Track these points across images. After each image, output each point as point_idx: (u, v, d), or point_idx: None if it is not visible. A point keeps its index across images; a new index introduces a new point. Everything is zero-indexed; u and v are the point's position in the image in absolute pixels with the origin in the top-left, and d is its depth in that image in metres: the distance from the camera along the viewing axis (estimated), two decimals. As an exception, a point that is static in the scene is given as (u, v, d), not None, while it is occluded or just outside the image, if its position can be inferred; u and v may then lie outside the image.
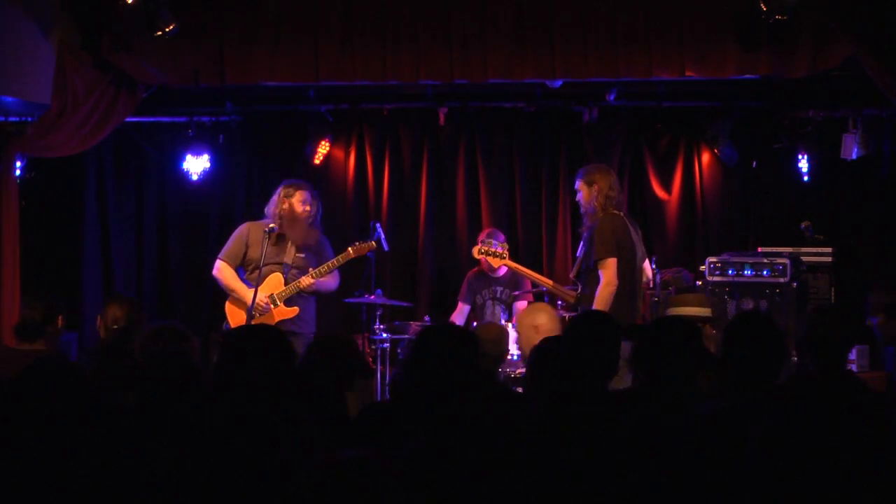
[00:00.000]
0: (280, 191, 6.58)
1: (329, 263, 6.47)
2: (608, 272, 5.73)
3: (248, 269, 6.51)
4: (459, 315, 7.42)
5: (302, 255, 6.48)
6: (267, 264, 6.40)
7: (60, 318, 5.21)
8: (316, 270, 6.44)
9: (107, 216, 8.36)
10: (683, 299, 5.86)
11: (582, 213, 6.12)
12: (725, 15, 6.45)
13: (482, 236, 7.13)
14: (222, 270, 6.54)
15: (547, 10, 6.51)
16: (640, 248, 6.03)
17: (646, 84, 7.24)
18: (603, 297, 5.77)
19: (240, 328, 5.79)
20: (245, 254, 6.53)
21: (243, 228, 6.63)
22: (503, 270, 7.36)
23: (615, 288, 5.74)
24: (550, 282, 6.40)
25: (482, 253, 6.36)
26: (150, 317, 7.72)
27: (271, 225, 6.37)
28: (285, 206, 6.51)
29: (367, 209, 8.35)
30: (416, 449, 2.27)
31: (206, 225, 8.43)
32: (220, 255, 6.59)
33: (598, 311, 5.12)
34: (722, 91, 7.74)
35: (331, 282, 6.59)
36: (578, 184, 6.08)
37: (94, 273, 8.28)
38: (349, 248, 6.55)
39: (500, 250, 6.33)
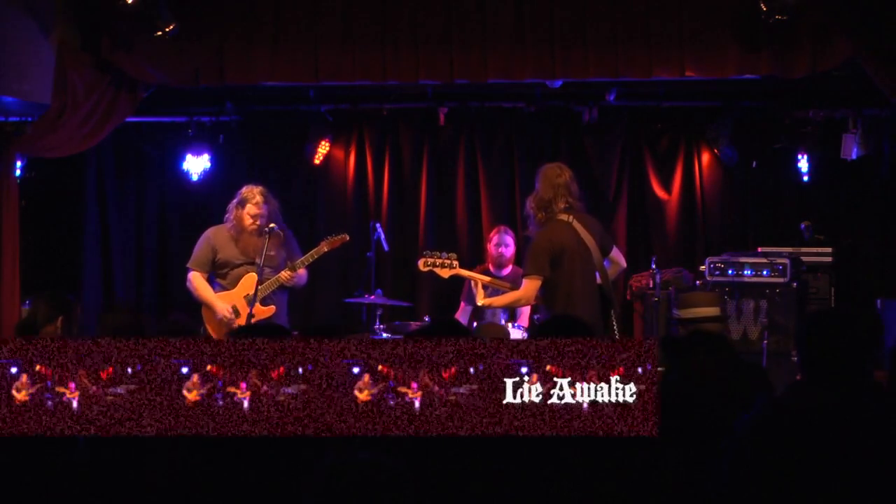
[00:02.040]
0: (238, 194, 6.56)
1: (305, 257, 6.46)
2: (525, 290, 5.66)
3: (220, 274, 6.52)
4: (462, 314, 7.42)
5: (273, 254, 6.46)
6: (241, 265, 6.41)
7: (61, 318, 5.11)
8: (292, 264, 6.44)
9: (107, 216, 8.36)
10: (694, 299, 5.72)
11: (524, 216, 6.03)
12: (725, 15, 6.45)
13: (492, 233, 7.31)
14: (193, 281, 6.52)
15: (547, 10, 6.52)
16: (594, 245, 5.73)
17: (646, 84, 7.24)
18: (508, 301, 5.93)
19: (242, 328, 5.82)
20: (214, 259, 6.51)
21: (208, 233, 6.62)
22: (507, 270, 7.36)
23: (524, 304, 5.85)
24: (507, 285, 6.32)
25: (427, 266, 6.13)
26: (150, 317, 7.76)
27: (271, 225, 6.37)
28: (239, 213, 6.51)
29: (367, 209, 8.35)
30: None
31: (205, 225, 8.35)
32: (189, 264, 6.58)
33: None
34: (722, 91, 7.74)
35: (304, 276, 6.61)
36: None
37: (94, 273, 8.28)
38: (322, 243, 6.55)
39: (447, 261, 6.18)
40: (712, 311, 5.47)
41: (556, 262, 5.59)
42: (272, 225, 6.35)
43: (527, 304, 5.79)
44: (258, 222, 6.44)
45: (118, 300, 8.20)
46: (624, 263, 6.08)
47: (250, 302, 6.32)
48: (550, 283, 5.61)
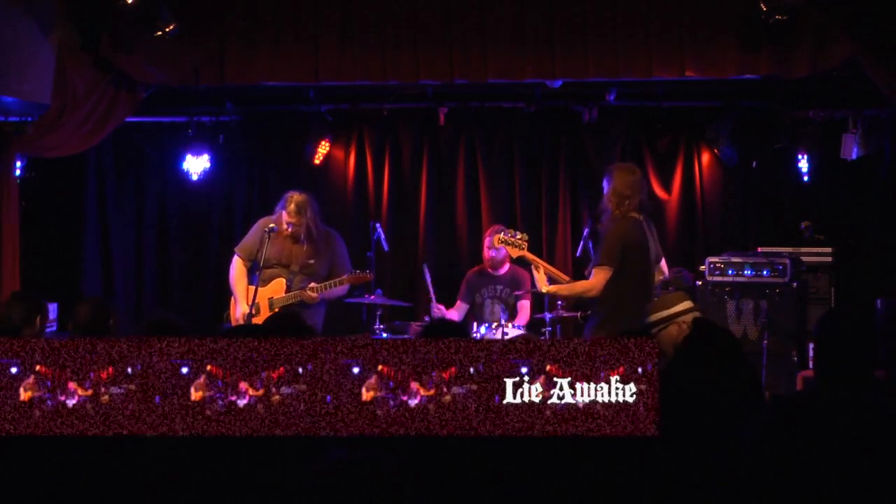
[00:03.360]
0: (284, 196, 6.59)
1: (331, 282, 6.47)
2: (597, 279, 5.70)
3: (258, 269, 6.52)
4: (456, 312, 7.42)
5: (311, 262, 6.47)
6: (275, 266, 6.41)
7: (38, 318, 5.06)
8: (318, 286, 6.43)
9: (107, 216, 8.36)
10: (665, 300, 5.73)
11: (598, 211, 6.07)
12: (725, 15, 6.45)
13: (497, 228, 7.17)
14: (233, 267, 6.59)
15: (547, 10, 6.52)
16: (655, 249, 5.92)
17: (646, 84, 7.24)
18: (575, 291, 5.93)
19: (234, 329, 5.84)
20: (258, 250, 6.50)
21: (262, 221, 6.64)
22: (504, 269, 7.37)
23: (594, 295, 5.76)
24: (566, 276, 6.33)
25: (502, 242, 6.20)
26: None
27: (271, 224, 6.38)
28: (280, 213, 6.54)
29: (367, 209, 8.35)
30: None
31: (206, 225, 8.44)
32: (236, 248, 6.66)
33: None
34: (722, 91, 7.74)
35: (339, 290, 6.61)
36: (604, 182, 5.98)
37: (94, 273, 8.28)
38: (345, 276, 6.54)
39: (519, 241, 6.22)
40: (686, 304, 5.35)
41: (624, 257, 5.68)
42: (271, 225, 6.39)
43: (596, 295, 5.74)
44: (290, 230, 6.48)
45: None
46: (666, 273, 6.19)
47: (273, 306, 6.37)
48: (612, 277, 5.69)
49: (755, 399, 3.60)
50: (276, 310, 6.37)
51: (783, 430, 2.73)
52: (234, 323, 6.47)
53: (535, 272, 6.08)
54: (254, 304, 6.33)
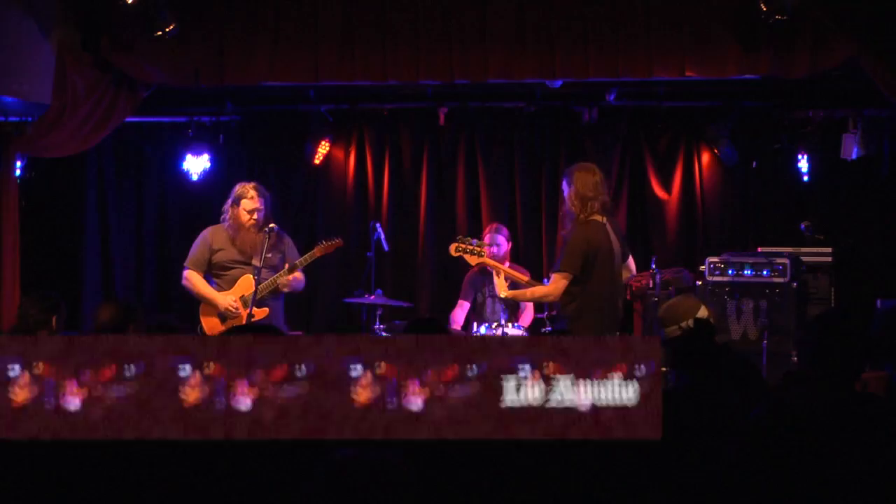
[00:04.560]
0: (232, 193, 6.53)
1: (299, 261, 6.43)
2: (555, 285, 5.69)
3: (216, 274, 6.50)
4: (459, 311, 7.42)
5: (269, 255, 6.44)
6: (236, 266, 6.39)
7: (55, 318, 5.05)
8: (295, 263, 6.40)
9: (107, 216, 8.36)
10: (679, 310, 5.58)
11: (561, 215, 6.06)
12: (725, 15, 6.46)
13: (496, 226, 7.22)
14: (190, 278, 6.50)
15: (547, 10, 6.52)
16: (618, 249, 5.83)
17: (646, 84, 7.24)
18: (535, 296, 5.98)
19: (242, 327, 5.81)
20: (210, 259, 6.48)
21: (206, 233, 6.58)
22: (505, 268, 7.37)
23: (551, 300, 5.82)
24: (526, 277, 6.34)
25: (458, 251, 6.18)
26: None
27: (271, 224, 6.36)
28: (235, 211, 6.48)
29: (367, 209, 8.35)
30: None
31: (205, 225, 8.38)
32: (185, 263, 6.55)
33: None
34: (722, 91, 7.74)
35: (302, 280, 6.59)
36: (563, 184, 5.97)
37: (94, 273, 8.28)
38: (316, 248, 6.50)
39: (476, 248, 6.21)
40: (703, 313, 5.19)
41: (588, 262, 5.65)
42: (272, 225, 6.34)
43: (553, 300, 5.77)
44: (255, 216, 6.42)
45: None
46: (634, 271, 6.16)
47: (247, 303, 6.32)
48: (575, 282, 5.66)
49: (756, 386, 3.58)
50: (252, 307, 6.31)
51: (776, 429, 2.73)
52: (209, 331, 6.40)
53: (495, 277, 6.11)
54: (249, 307, 6.32)
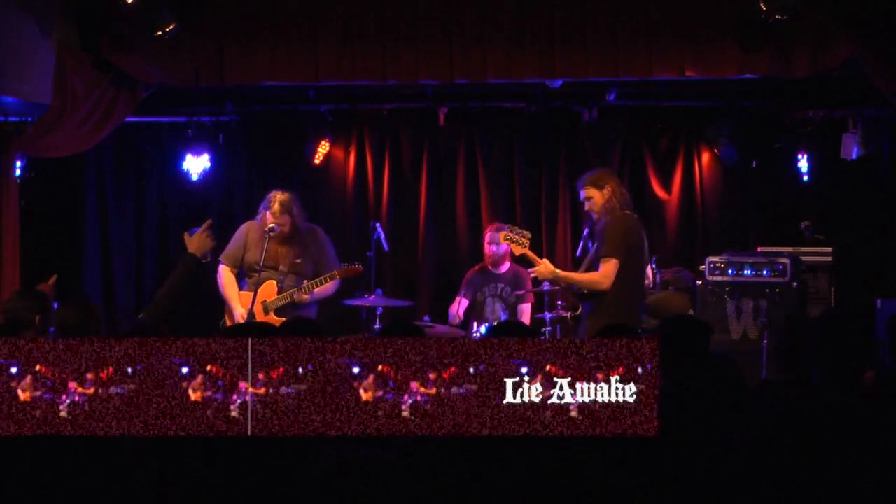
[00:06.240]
0: (266, 197, 6.54)
1: (320, 279, 6.42)
2: (607, 270, 5.75)
3: (247, 273, 6.51)
4: (457, 306, 7.40)
5: (299, 261, 6.45)
6: (264, 269, 6.39)
7: (38, 317, 5.02)
8: (308, 284, 6.39)
9: (107, 216, 8.36)
10: (666, 303, 5.80)
11: (595, 217, 6.04)
12: (725, 15, 6.46)
13: (497, 225, 7.19)
14: (222, 276, 6.53)
15: (547, 10, 6.52)
16: (648, 247, 6.04)
17: (646, 84, 7.24)
18: (590, 280, 5.86)
19: (235, 327, 5.82)
20: (243, 256, 6.50)
21: (243, 228, 6.62)
22: (506, 267, 7.37)
23: (605, 288, 5.77)
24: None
25: (507, 238, 6.20)
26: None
27: (270, 225, 6.36)
28: (264, 215, 6.49)
29: (367, 209, 8.35)
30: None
31: (205, 225, 8.44)
32: (220, 257, 6.56)
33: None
34: (722, 91, 7.74)
35: (329, 289, 6.58)
36: (586, 191, 5.98)
37: (94, 273, 8.28)
38: (336, 271, 6.50)
39: (522, 239, 6.20)
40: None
41: (630, 251, 5.75)
42: (272, 225, 6.34)
43: (605, 288, 5.76)
44: (282, 224, 6.43)
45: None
46: (650, 276, 6.29)
47: (267, 309, 6.35)
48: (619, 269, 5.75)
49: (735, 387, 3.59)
50: (271, 313, 6.35)
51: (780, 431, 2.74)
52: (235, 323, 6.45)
53: (537, 265, 6.04)
54: (251, 311, 6.32)
